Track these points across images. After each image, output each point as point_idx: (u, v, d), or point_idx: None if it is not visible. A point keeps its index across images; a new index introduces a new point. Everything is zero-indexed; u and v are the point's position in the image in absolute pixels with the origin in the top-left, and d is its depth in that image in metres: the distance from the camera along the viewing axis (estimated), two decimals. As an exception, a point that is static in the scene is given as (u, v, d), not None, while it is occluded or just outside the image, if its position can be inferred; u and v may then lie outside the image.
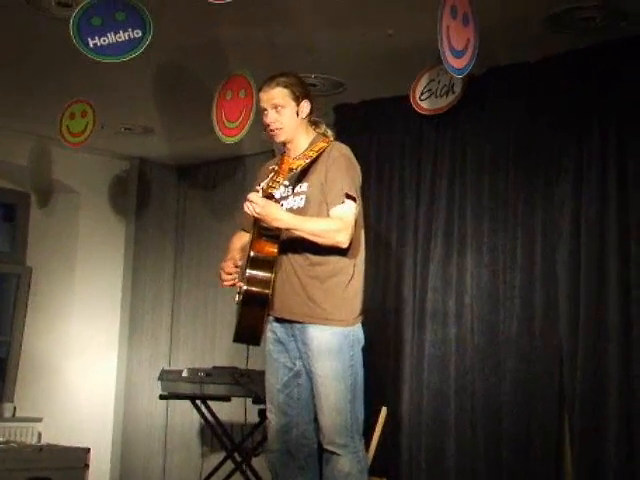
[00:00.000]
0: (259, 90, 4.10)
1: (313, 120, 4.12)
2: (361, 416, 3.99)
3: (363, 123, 6.02)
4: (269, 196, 3.77)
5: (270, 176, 3.84)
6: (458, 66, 4.28)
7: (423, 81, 5.39)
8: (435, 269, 5.50)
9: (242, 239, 4.24)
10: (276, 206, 3.82)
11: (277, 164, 3.98)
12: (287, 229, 3.84)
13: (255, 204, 3.75)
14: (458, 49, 4.27)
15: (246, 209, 3.79)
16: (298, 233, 3.84)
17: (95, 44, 4.23)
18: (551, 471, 4.90)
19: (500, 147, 5.30)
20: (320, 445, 4.00)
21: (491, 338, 5.19)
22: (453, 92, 5.30)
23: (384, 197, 5.86)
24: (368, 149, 5.96)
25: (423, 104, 5.43)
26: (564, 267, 4.90)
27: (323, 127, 4.14)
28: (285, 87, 3.99)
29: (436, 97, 5.34)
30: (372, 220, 5.79)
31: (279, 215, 3.80)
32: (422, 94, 5.41)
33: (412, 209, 5.71)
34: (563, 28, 4.73)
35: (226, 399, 6.16)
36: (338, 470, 3.92)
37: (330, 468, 3.95)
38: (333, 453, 3.92)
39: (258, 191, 3.80)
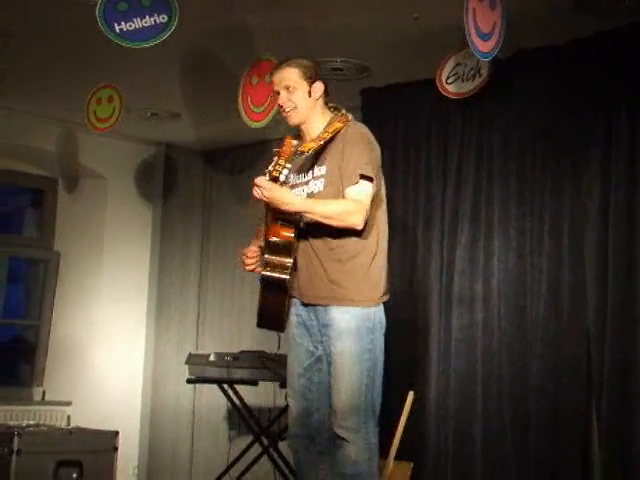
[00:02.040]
0: (271, 74, 4.12)
1: (331, 104, 4.10)
2: (378, 402, 3.96)
3: (389, 107, 6.01)
4: (274, 179, 3.75)
5: (274, 159, 3.84)
6: (485, 49, 4.26)
7: (449, 65, 5.35)
8: (462, 253, 5.49)
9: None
10: (284, 190, 3.79)
11: (279, 147, 3.97)
12: (298, 212, 3.83)
13: (263, 188, 3.74)
14: (485, 32, 4.25)
15: (255, 193, 3.78)
16: (310, 216, 3.83)
17: (121, 29, 4.25)
18: (578, 455, 4.89)
19: (527, 131, 5.27)
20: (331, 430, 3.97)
21: (518, 322, 5.18)
22: (480, 76, 5.25)
23: (410, 181, 5.85)
24: (394, 133, 5.96)
25: (449, 88, 5.39)
26: (592, 251, 4.87)
27: (342, 110, 4.10)
28: (296, 67, 4.01)
29: (462, 81, 5.31)
30: (399, 205, 5.79)
31: (287, 199, 3.78)
32: (448, 78, 5.37)
33: (439, 193, 5.70)
34: (590, 10, 4.68)
35: (253, 383, 6.17)
36: (345, 456, 3.90)
37: (339, 454, 3.93)
38: (342, 439, 3.90)
39: (265, 174, 3.78)
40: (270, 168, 3.79)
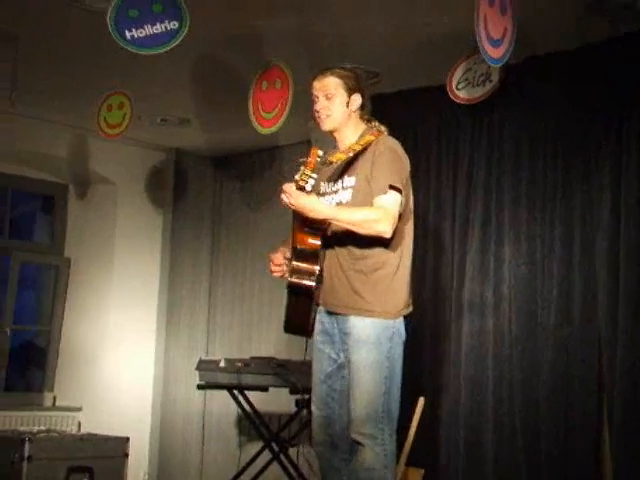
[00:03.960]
0: (313, 79, 4.12)
1: (366, 117, 4.15)
2: (395, 411, 3.96)
3: (399, 113, 5.95)
4: (300, 188, 3.81)
5: (301, 169, 3.88)
6: (495, 55, 4.25)
7: (460, 70, 5.35)
8: (472, 259, 5.48)
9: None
10: (310, 197, 3.83)
11: (305, 156, 3.99)
12: (324, 219, 3.86)
13: (289, 195, 3.80)
14: (495, 38, 4.24)
15: (282, 199, 3.84)
16: (337, 223, 3.86)
17: (132, 36, 4.27)
18: (590, 461, 4.88)
19: (538, 136, 5.27)
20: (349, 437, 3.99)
21: (529, 328, 5.17)
22: (490, 81, 5.26)
23: (421, 187, 5.80)
24: (405, 139, 5.84)
25: (460, 93, 5.39)
26: (603, 256, 4.86)
27: (376, 123, 4.16)
28: (339, 77, 4.05)
29: (473, 86, 5.31)
30: (409, 210, 5.78)
31: (313, 206, 3.82)
32: (459, 83, 5.38)
33: (449, 199, 5.70)
34: (601, 15, 4.67)
35: (264, 389, 6.17)
36: (361, 461, 3.91)
37: (355, 459, 3.94)
38: (359, 444, 3.91)
39: (292, 183, 3.85)
40: (297, 177, 3.85)
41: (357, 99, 4.06)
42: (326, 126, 4.07)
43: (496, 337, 5.32)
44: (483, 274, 5.43)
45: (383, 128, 4.13)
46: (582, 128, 5.07)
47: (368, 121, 4.15)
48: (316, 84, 4.08)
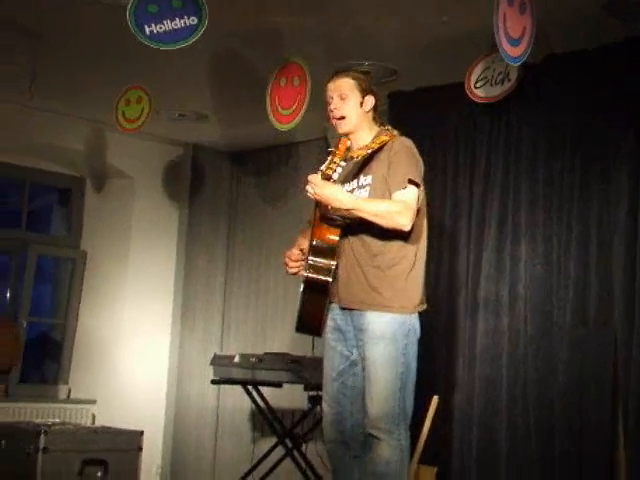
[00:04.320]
0: (327, 81, 4.19)
1: (379, 120, 4.21)
2: (410, 407, 4.01)
3: (417, 111, 5.99)
4: (327, 177, 3.86)
5: (328, 158, 3.94)
6: (514, 54, 4.25)
7: (478, 69, 5.34)
8: (488, 258, 5.47)
9: (307, 235, 4.25)
10: (335, 186, 3.90)
11: (335, 146, 4.02)
12: (348, 210, 3.88)
13: (314, 185, 3.86)
14: (514, 37, 4.24)
15: (307, 189, 3.90)
16: (359, 214, 3.89)
17: (151, 31, 4.27)
18: (605, 462, 4.85)
19: (556, 136, 5.25)
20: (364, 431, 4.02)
21: (544, 328, 5.16)
22: (509, 80, 5.25)
23: (438, 185, 5.83)
24: (422, 137, 5.86)
25: (478, 92, 5.38)
26: (620, 257, 4.84)
27: (389, 126, 4.23)
28: (353, 79, 4.13)
29: (491, 85, 5.30)
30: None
31: (338, 195, 3.87)
32: (477, 82, 5.37)
33: (466, 197, 5.69)
34: (619, 15, 4.66)
35: (277, 385, 6.18)
36: (378, 455, 3.95)
37: (370, 454, 3.98)
38: (375, 438, 3.94)
39: (318, 174, 3.91)
40: (323, 167, 3.91)
41: (371, 100, 4.13)
42: (342, 128, 4.12)
43: (511, 336, 5.31)
44: (499, 273, 5.42)
45: (396, 132, 4.18)
46: (600, 128, 5.05)
47: (381, 124, 4.21)
48: (330, 85, 4.15)
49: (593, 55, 5.08)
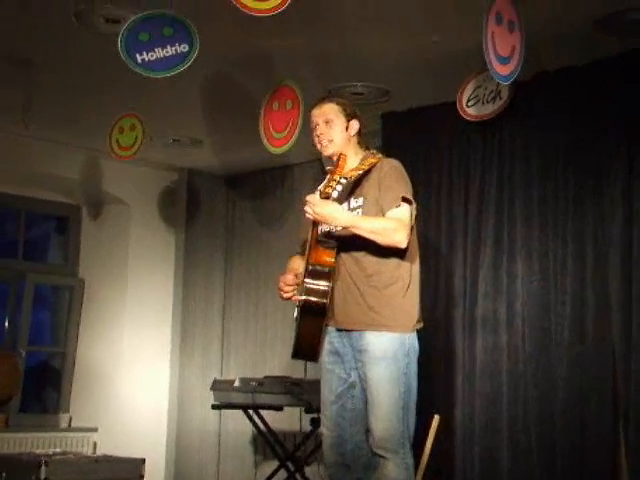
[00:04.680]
0: (312, 108, 4.24)
1: (363, 143, 4.24)
2: (412, 426, 4.02)
3: (410, 131, 6.02)
4: (326, 196, 3.86)
5: (327, 177, 3.96)
6: (504, 73, 4.27)
7: (470, 87, 5.37)
8: (485, 276, 5.49)
9: (296, 261, 4.28)
10: (334, 204, 3.89)
11: (333, 165, 4.03)
12: (346, 227, 3.90)
13: (312, 204, 3.86)
14: (504, 56, 4.26)
15: (305, 209, 3.90)
16: (357, 231, 3.90)
17: (143, 59, 4.29)
18: (607, 477, 4.85)
19: (549, 153, 5.27)
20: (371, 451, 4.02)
21: (543, 345, 5.17)
22: (500, 98, 5.28)
23: (432, 204, 5.85)
24: (416, 156, 5.96)
25: (470, 110, 5.41)
26: (616, 272, 4.86)
27: (374, 150, 4.26)
28: (337, 104, 4.18)
29: (483, 103, 5.33)
30: (421, 227, 5.76)
31: (337, 214, 3.89)
32: (469, 100, 5.40)
33: (461, 216, 5.70)
34: (610, 31, 4.68)
35: (278, 408, 6.17)
36: (385, 475, 3.95)
37: (377, 474, 3.99)
38: (382, 457, 3.95)
39: (316, 194, 3.94)
40: (321, 187, 3.96)
41: (355, 124, 4.17)
42: (328, 150, 4.15)
43: (510, 354, 5.32)
44: (496, 290, 5.44)
45: (380, 155, 4.20)
46: (592, 144, 5.07)
47: (366, 148, 4.24)
48: (315, 111, 4.20)
49: (584, 71, 5.10)
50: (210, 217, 7.89)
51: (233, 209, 7.96)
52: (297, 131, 5.17)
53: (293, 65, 5.27)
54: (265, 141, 5.38)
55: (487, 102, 5.31)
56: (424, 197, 5.88)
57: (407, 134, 6.01)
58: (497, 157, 5.54)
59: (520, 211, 5.36)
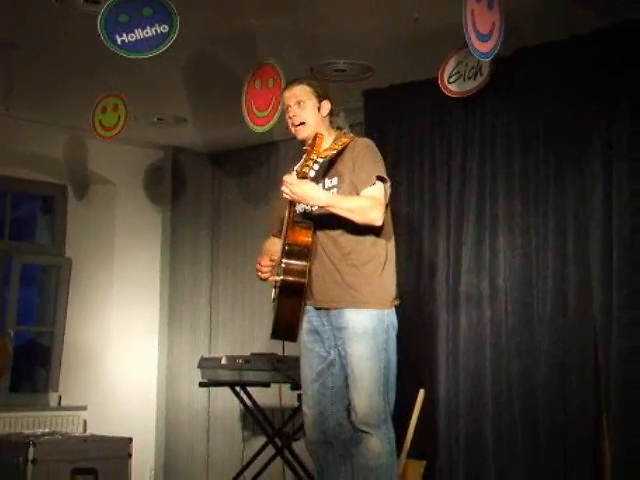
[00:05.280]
0: (283, 90, 4.31)
1: (336, 125, 4.29)
2: (393, 399, 4.09)
3: (392, 107, 6.03)
4: (303, 176, 3.90)
5: (303, 157, 3.99)
6: (484, 50, 4.29)
7: (451, 64, 5.38)
8: (468, 252, 5.51)
9: (273, 243, 4.33)
10: (311, 184, 3.94)
11: (308, 145, 4.06)
12: (323, 207, 3.94)
13: (290, 184, 3.89)
14: (483, 33, 4.27)
15: (283, 189, 3.93)
16: (334, 210, 3.94)
17: (123, 41, 4.30)
18: (589, 449, 4.91)
19: (530, 128, 5.29)
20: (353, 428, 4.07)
21: (525, 319, 5.21)
22: (481, 74, 5.29)
23: (415, 181, 5.87)
24: (398, 133, 5.98)
25: (452, 87, 5.42)
26: (596, 246, 4.88)
27: (345, 130, 4.32)
28: (307, 85, 4.21)
29: (464, 80, 5.34)
30: (403, 204, 5.82)
31: (315, 193, 3.93)
32: (450, 77, 5.41)
33: (443, 192, 5.72)
34: (589, 6, 4.69)
35: (265, 385, 6.20)
36: (368, 450, 4.01)
37: (360, 448, 4.04)
38: (365, 433, 4.00)
39: (293, 173, 3.95)
40: (297, 167, 3.97)
41: (327, 105, 4.20)
42: (302, 133, 4.18)
43: (493, 328, 5.35)
44: (479, 266, 5.47)
45: (352, 134, 4.25)
46: (572, 119, 5.08)
47: (338, 128, 4.28)
48: (286, 93, 4.24)
49: (564, 47, 5.11)
50: (196, 195, 7.89)
51: (219, 187, 7.95)
52: (279, 109, 5.17)
53: (275, 43, 5.27)
54: (248, 120, 5.40)
55: (468, 78, 5.32)
56: (407, 174, 5.91)
57: (389, 111, 6.02)
58: (479, 133, 5.55)
59: (502, 186, 5.38)
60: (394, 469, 4.08)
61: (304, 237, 3.98)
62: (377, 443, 4.00)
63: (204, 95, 6.33)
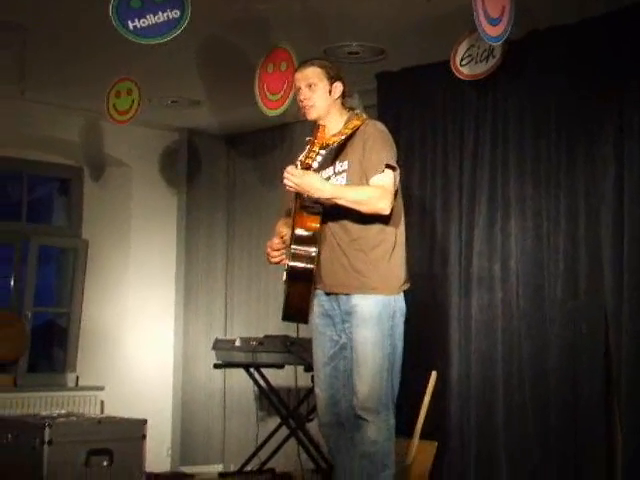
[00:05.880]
0: (295, 71, 4.26)
1: (348, 105, 4.24)
2: (397, 386, 4.09)
3: (405, 90, 6.03)
4: (307, 167, 3.88)
5: (307, 148, 3.96)
6: (494, 34, 4.29)
7: (463, 47, 5.36)
8: (480, 234, 5.52)
9: (285, 224, 4.32)
10: (315, 176, 3.93)
11: (312, 135, 4.06)
12: (329, 199, 3.93)
13: (293, 176, 3.87)
14: (494, 17, 4.27)
15: (285, 182, 3.91)
16: (340, 202, 3.94)
17: (135, 26, 4.32)
18: (600, 431, 4.92)
19: (541, 111, 5.28)
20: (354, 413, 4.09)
21: (537, 302, 5.22)
22: (493, 57, 5.27)
23: (427, 164, 5.88)
24: (411, 116, 5.98)
25: (464, 70, 5.41)
26: (607, 229, 4.89)
27: (357, 110, 4.26)
28: (319, 67, 4.16)
29: (476, 62, 5.32)
30: (416, 187, 5.84)
31: (319, 185, 3.91)
32: (462, 60, 5.39)
33: (456, 175, 5.72)
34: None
35: (279, 367, 6.25)
36: (366, 436, 4.03)
37: (360, 433, 4.06)
38: (364, 420, 4.02)
39: (297, 165, 3.92)
40: (301, 158, 3.94)
41: (339, 87, 4.16)
42: (311, 115, 4.16)
43: (505, 311, 5.37)
44: (490, 249, 5.47)
45: (365, 116, 4.21)
46: (584, 102, 5.08)
47: (350, 109, 4.24)
48: (298, 75, 4.20)
49: (575, 29, 5.09)
50: (211, 176, 7.92)
51: (234, 168, 7.99)
52: (292, 93, 5.16)
53: (288, 26, 5.28)
54: (260, 103, 5.41)
55: (480, 61, 5.31)
56: (419, 157, 5.92)
57: (402, 93, 6.02)
58: (491, 115, 5.55)
59: (514, 169, 5.39)
60: (391, 456, 4.08)
61: (312, 223, 3.98)
62: (375, 430, 4.01)
63: (218, 77, 6.35)
